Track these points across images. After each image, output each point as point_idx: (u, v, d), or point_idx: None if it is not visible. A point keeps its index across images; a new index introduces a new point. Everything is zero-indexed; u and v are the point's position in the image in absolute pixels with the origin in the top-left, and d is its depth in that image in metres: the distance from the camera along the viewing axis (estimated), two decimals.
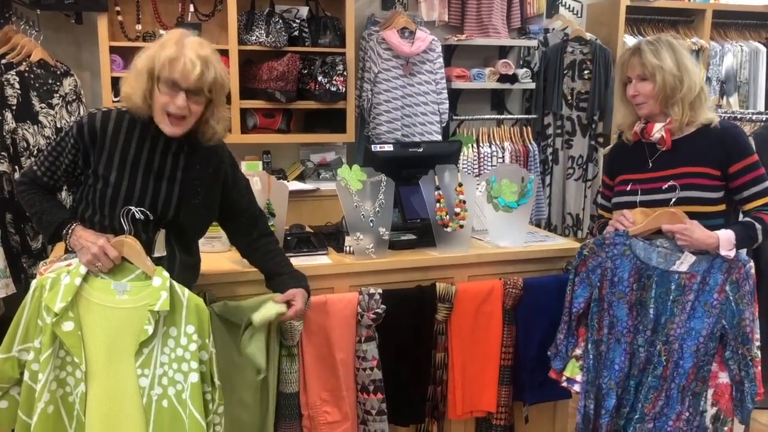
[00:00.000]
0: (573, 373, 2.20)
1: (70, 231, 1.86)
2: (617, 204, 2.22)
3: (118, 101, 3.54)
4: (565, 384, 2.23)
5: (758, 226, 2.06)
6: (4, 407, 1.84)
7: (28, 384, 1.78)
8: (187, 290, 1.85)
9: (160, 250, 1.89)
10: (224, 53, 3.67)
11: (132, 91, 1.84)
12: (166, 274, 1.83)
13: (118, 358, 1.80)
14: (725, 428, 2.08)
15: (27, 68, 3.18)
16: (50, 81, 3.26)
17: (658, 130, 2.12)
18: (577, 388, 2.19)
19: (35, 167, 1.92)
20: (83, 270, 1.80)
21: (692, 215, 2.05)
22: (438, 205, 2.38)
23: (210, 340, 1.87)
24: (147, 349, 1.82)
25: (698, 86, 2.11)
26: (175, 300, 1.82)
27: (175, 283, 1.83)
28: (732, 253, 2.02)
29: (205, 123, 1.91)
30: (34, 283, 1.80)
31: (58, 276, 1.79)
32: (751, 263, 2.07)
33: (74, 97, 3.35)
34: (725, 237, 2.02)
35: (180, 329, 1.83)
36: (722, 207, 2.12)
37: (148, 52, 1.84)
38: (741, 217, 2.18)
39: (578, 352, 2.19)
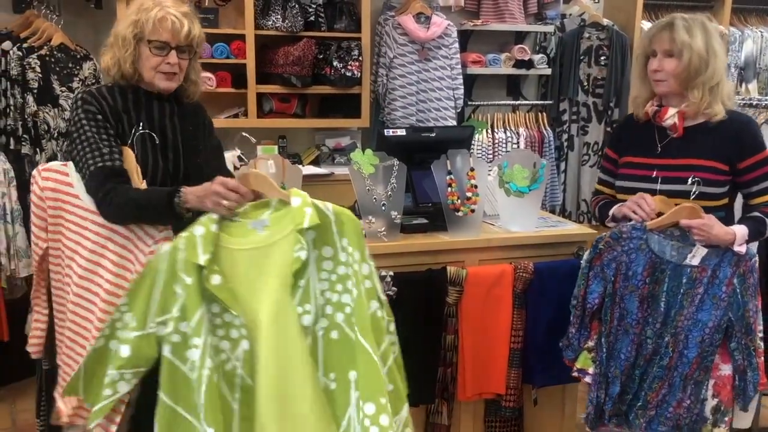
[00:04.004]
0: (585, 364, 2.20)
1: (181, 196, 1.75)
2: (625, 188, 2.22)
3: None
4: (576, 374, 2.23)
5: None
6: (124, 391, 1.64)
7: (168, 360, 1.58)
8: (330, 204, 1.66)
9: None
10: (241, 38, 3.70)
11: (118, 60, 1.89)
12: (304, 192, 1.65)
13: (272, 302, 1.59)
14: (726, 419, 2.11)
15: (48, 52, 3.24)
16: (70, 65, 3.31)
17: (671, 116, 2.11)
18: (588, 379, 2.19)
19: (98, 162, 1.81)
20: (215, 216, 1.63)
21: None
22: (450, 189, 2.40)
23: (367, 252, 1.68)
24: (303, 281, 1.61)
25: (720, 74, 2.08)
26: (321, 216, 1.62)
27: (317, 200, 1.65)
28: (744, 249, 2.03)
29: (187, 79, 1.99)
30: (165, 246, 1.62)
31: (189, 233, 1.60)
32: (756, 257, 2.10)
33: (93, 81, 3.41)
34: (740, 233, 2.03)
35: (336, 246, 1.63)
36: (725, 201, 2.13)
37: (130, 18, 1.89)
38: (742, 209, 2.18)
39: (590, 344, 2.19)
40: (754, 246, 2.18)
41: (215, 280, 1.58)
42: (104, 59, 1.94)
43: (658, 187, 2.13)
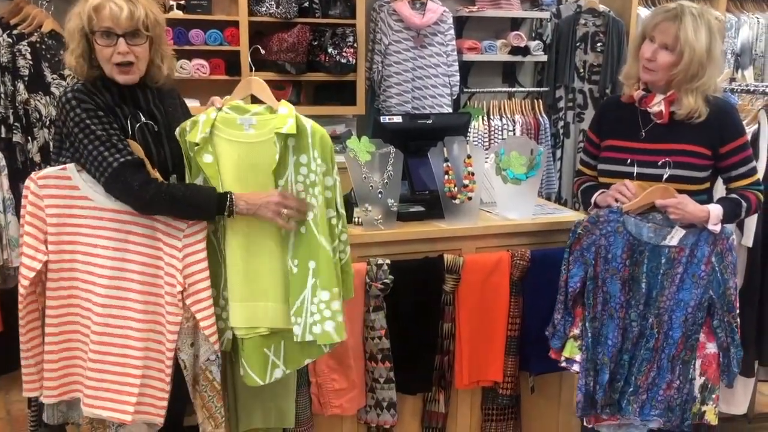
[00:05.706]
0: (572, 353, 2.21)
1: (232, 200, 1.83)
2: (607, 172, 2.23)
3: None
4: (564, 364, 2.24)
5: (744, 204, 2.13)
6: None
7: None
8: (310, 120, 1.91)
9: None
10: (234, 24, 3.67)
11: (76, 58, 1.84)
12: (292, 106, 1.90)
13: (252, 190, 1.88)
14: (713, 396, 2.15)
15: (38, 39, 3.19)
16: (62, 52, 3.23)
17: (657, 103, 2.11)
18: (576, 368, 2.20)
19: (118, 158, 1.79)
20: (215, 107, 1.90)
21: (678, 193, 2.08)
22: (446, 176, 2.39)
23: (335, 168, 1.92)
24: (282, 181, 1.89)
25: (714, 79, 2.08)
26: (300, 127, 1.87)
27: (300, 114, 1.89)
28: (718, 228, 2.08)
29: (152, 64, 1.94)
30: (178, 130, 1.93)
31: (195, 119, 1.89)
32: (733, 236, 2.14)
33: None
34: (715, 212, 2.07)
35: (309, 155, 1.88)
36: (706, 185, 2.17)
37: (73, 11, 1.84)
38: (724, 192, 2.22)
39: (576, 331, 2.20)
40: (732, 225, 2.21)
41: (207, 158, 1.86)
42: (68, 60, 1.87)
43: (642, 171, 2.14)
